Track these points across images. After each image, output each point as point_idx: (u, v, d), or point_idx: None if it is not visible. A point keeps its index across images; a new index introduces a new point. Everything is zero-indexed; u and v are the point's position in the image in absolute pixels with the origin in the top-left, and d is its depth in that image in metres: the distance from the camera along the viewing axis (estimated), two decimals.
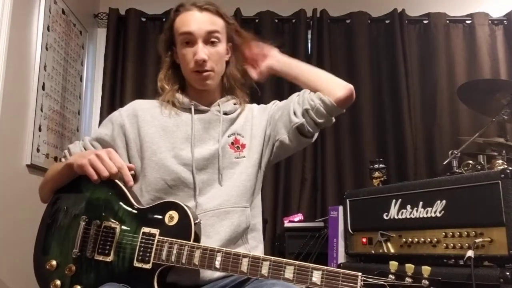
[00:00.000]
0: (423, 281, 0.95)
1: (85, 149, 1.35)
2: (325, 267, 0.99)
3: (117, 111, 1.39)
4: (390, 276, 0.96)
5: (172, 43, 1.37)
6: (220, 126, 1.33)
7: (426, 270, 0.96)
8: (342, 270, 0.98)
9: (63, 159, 1.38)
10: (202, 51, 1.28)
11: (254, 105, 1.45)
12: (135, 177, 1.30)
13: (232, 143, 1.33)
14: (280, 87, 3.01)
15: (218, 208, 1.25)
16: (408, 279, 0.95)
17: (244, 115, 1.39)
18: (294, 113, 1.31)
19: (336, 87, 1.30)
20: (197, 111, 1.34)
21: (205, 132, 1.33)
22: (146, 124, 1.33)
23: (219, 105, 1.36)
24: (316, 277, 0.99)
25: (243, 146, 1.34)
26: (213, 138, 1.32)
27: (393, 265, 0.98)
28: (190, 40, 1.30)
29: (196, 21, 1.30)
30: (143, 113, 1.35)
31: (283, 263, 1.03)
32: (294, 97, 1.36)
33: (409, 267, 0.97)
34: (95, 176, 1.20)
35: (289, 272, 1.01)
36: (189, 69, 1.31)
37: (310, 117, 1.30)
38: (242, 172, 1.31)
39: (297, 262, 1.02)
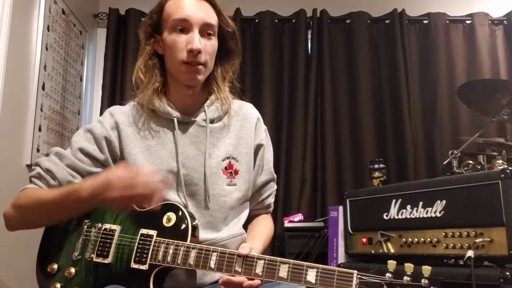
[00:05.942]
0: (422, 280, 0.92)
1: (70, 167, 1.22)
2: (320, 265, 0.98)
3: (97, 123, 1.27)
4: (388, 274, 0.94)
5: (157, 30, 1.24)
6: (207, 139, 1.24)
7: (426, 269, 0.93)
8: (337, 268, 0.97)
9: (34, 179, 1.27)
10: (198, 40, 1.17)
11: (238, 104, 1.35)
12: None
13: (226, 168, 1.25)
14: (279, 85, 3.04)
15: (214, 241, 1.20)
16: (407, 278, 0.93)
17: (234, 126, 1.30)
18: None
19: None
20: (181, 123, 1.24)
21: (193, 147, 1.24)
22: (129, 142, 1.23)
23: (204, 111, 1.26)
24: (311, 275, 0.98)
25: (236, 172, 1.27)
26: (202, 154, 1.24)
27: (391, 264, 0.96)
28: (184, 27, 1.19)
29: (193, 7, 1.20)
30: (124, 127, 1.25)
31: (278, 261, 1.02)
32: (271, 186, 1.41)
33: (409, 267, 0.94)
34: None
35: (283, 271, 1.00)
36: (179, 60, 1.18)
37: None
38: (233, 202, 1.26)
39: (291, 260, 1.01)
